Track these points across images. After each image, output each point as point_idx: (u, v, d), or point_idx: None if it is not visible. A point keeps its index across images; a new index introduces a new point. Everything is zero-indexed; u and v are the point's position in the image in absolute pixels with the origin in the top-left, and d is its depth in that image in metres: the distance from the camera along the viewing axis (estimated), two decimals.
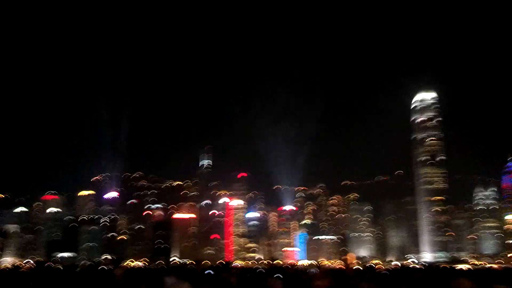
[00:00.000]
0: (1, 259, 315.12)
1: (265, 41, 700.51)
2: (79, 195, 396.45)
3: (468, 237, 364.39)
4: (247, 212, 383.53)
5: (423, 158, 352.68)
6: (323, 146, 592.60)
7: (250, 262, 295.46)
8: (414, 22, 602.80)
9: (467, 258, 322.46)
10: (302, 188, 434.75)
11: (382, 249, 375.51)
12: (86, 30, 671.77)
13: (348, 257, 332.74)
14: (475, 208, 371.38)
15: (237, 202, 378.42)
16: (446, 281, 22.59)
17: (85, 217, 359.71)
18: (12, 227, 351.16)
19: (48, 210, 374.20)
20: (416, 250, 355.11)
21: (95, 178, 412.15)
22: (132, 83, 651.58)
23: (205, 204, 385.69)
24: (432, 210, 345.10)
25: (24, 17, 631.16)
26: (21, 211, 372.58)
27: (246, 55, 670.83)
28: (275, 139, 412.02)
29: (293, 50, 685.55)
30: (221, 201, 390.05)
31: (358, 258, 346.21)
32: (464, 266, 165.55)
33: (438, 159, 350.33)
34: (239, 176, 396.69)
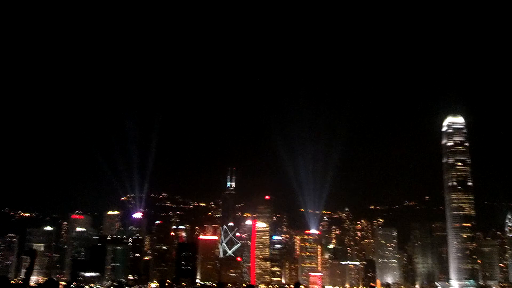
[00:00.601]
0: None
1: (291, 65, 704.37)
2: (106, 215, 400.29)
3: (498, 265, 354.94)
4: (271, 235, 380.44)
5: (452, 183, 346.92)
6: (349, 170, 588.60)
7: (273, 287, 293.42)
8: (444, 47, 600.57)
9: (496, 287, 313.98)
10: (327, 212, 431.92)
11: (408, 276, 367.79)
12: (117, 50, 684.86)
13: (373, 284, 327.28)
14: (505, 236, 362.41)
15: (261, 225, 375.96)
16: None
17: (111, 237, 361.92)
18: (39, 246, 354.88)
19: (74, 230, 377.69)
20: (444, 278, 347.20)
21: (122, 198, 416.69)
22: (160, 105, 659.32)
23: (229, 226, 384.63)
24: (461, 236, 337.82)
25: (60, 38, 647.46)
26: (48, 230, 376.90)
27: (273, 79, 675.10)
28: (301, 162, 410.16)
29: (321, 73, 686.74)
30: (245, 223, 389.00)
31: (383, 285, 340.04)
32: None
33: (466, 184, 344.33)
34: (264, 198, 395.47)
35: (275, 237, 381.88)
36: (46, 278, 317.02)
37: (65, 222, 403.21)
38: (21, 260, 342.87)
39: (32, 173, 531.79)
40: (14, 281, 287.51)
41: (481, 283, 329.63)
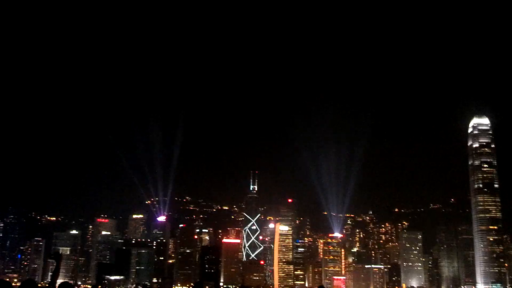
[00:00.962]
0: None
1: (313, 67, 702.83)
2: (131, 219, 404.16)
3: None
4: (295, 239, 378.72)
5: (478, 186, 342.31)
6: (373, 173, 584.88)
7: None
8: (470, 48, 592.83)
9: None
10: (350, 215, 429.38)
11: (434, 280, 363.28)
12: (142, 55, 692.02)
13: None
14: None
15: (284, 228, 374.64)
16: None
17: (135, 241, 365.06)
18: (64, 250, 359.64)
19: (100, 233, 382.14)
20: (470, 282, 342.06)
21: (146, 202, 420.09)
22: (183, 110, 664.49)
23: (252, 230, 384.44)
24: (487, 239, 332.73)
25: (76, 44, 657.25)
26: (74, 234, 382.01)
27: (295, 82, 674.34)
28: (324, 165, 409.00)
29: (343, 75, 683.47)
30: (268, 226, 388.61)
31: None
32: None
33: (493, 187, 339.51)
34: (286, 201, 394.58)
35: (298, 241, 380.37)
36: (72, 282, 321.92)
37: (90, 226, 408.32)
38: (47, 263, 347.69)
39: (58, 178, 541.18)
40: (40, 284, 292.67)
41: (508, 287, 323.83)
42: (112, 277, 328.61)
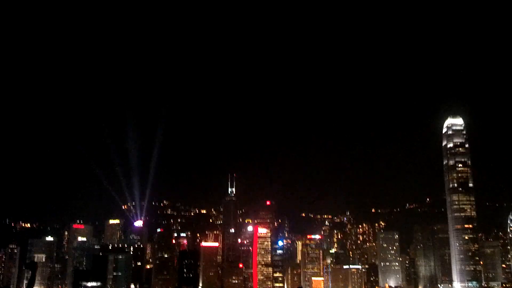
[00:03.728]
0: None
1: (289, 67, 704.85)
2: (107, 224, 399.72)
3: (501, 266, 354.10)
4: (276, 241, 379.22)
5: (453, 185, 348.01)
6: (349, 174, 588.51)
7: None
8: (443, 49, 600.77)
9: None
10: (328, 216, 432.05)
11: (411, 279, 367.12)
12: (116, 54, 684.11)
13: None
14: (507, 236, 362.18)
15: (262, 231, 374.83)
16: None
17: (112, 246, 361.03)
18: (40, 257, 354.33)
19: (76, 240, 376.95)
20: (447, 280, 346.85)
21: (123, 207, 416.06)
22: (159, 113, 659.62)
23: (231, 233, 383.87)
24: (463, 238, 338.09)
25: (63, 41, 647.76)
26: (50, 240, 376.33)
27: (273, 83, 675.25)
28: (301, 167, 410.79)
29: (319, 73, 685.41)
30: (247, 229, 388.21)
31: None
32: None
33: (467, 186, 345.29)
34: (265, 204, 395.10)
35: (279, 243, 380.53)
36: None
37: (66, 232, 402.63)
38: (22, 271, 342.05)
39: (32, 184, 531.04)
40: None
41: (484, 284, 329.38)
42: (89, 284, 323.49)
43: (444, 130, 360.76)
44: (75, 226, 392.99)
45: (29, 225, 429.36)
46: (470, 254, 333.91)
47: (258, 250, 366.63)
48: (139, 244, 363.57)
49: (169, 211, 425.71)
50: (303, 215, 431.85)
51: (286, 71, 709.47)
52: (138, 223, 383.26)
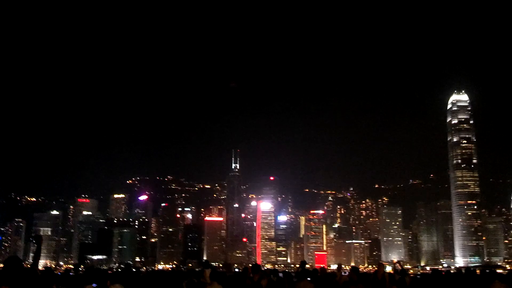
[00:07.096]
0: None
1: (293, 44, 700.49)
2: (112, 198, 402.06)
3: (503, 242, 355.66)
4: (277, 216, 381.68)
5: (457, 161, 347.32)
6: (354, 150, 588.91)
7: (279, 266, 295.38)
8: (448, 25, 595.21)
9: (501, 263, 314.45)
10: (332, 191, 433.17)
11: (413, 254, 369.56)
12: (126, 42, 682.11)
13: (384, 263, 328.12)
14: (510, 212, 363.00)
15: (266, 206, 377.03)
16: (483, 285, 21.76)
17: (117, 220, 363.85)
18: (46, 231, 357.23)
19: (81, 214, 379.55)
20: (449, 255, 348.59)
21: (127, 181, 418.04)
22: (164, 88, 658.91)
23: (234, 208, 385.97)
24: (466, 214, 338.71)
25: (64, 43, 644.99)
26: (55, 214, 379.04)
27: (277, 60, 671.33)
28: (304, 143, 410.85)
29: (323, 50, 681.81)
30: (250, 204, 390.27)
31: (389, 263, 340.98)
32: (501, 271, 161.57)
33: (471, 162, 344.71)
34: (268, 179, 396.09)
35: (280, 218, 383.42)
36: (54, 262, 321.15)
37: (71, 206, 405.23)
38: (28, 244, 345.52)
39: (37, 158, 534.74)
40: None
41: (486, 259, 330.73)
42: (95, 257, 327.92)
43: (449, 106, 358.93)
44: (80, 200, 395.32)
45: (34, 199, 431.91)
46: (472, 229, 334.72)
47: (261, 225, 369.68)
48: (144, 218, 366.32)
49: (173, 186, 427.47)
50: (307, 190, 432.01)
51: (291, 46, 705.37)
52: (143, 197, 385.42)
